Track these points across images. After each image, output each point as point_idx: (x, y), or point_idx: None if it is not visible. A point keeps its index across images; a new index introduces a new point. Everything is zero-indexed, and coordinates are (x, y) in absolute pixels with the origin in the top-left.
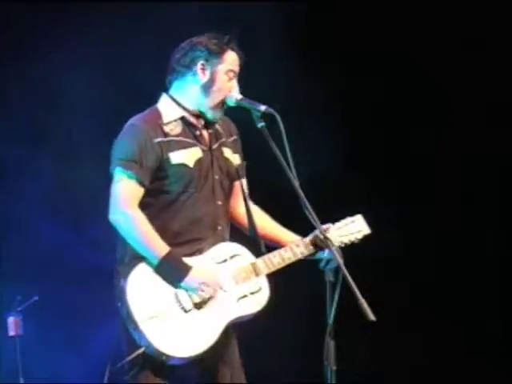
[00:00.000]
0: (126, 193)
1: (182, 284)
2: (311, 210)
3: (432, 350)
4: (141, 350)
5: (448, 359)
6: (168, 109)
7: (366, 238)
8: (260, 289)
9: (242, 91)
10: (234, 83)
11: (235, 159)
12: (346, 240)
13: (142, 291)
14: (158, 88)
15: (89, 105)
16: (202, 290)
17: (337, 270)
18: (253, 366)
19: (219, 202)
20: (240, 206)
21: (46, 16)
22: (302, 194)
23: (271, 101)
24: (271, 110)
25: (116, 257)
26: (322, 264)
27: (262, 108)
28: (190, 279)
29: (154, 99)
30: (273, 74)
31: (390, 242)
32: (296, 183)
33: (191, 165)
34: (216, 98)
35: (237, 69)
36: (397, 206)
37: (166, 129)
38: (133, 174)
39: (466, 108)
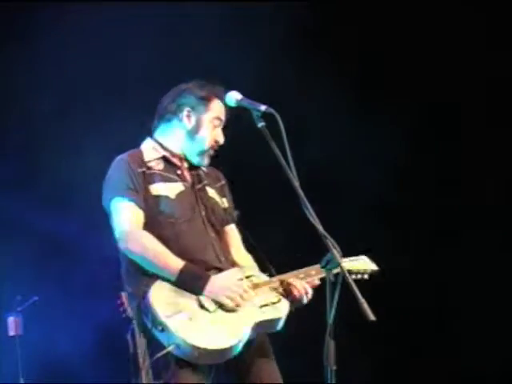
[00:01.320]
0: (130, 217)
1: (204, 293)
2: (311, 210)
3: (432, 350)
4: (170, 348)
5: (448, 359)
6: (150, 149)
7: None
8: (280, 300)
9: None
10: (219, 131)
11: (222, 202)
12: (356, 270)
13: (165, 297)
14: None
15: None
16: (227, 297)
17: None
18: None
19: (212, 235)
20: (232, 253)
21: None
22: (302, 194)
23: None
24: (271, 110)
25: (134, 265)
26: (322, 264)
27: (262, 108)
28: (210, 287)
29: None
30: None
31: (391, 242)
32: (296, 183)
33: (172, 196)
34: (200, 145)
35: (223, 117)
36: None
37: (149, 164)
38: (132, 199)
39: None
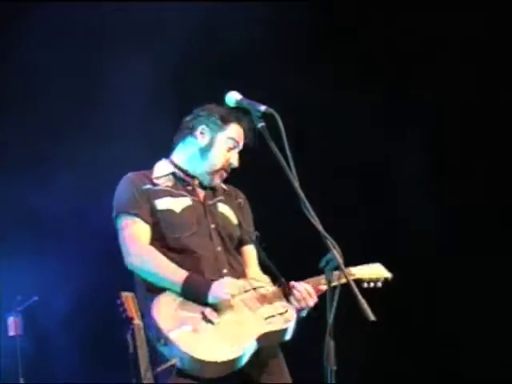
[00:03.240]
0: (134, 233)
1: (209, 297)
2: (311, 211)
3: (432, 350)
4: (173, 361)
5: (448, 359)
6: (161, 166)
7: None
8: (287, 310)
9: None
10: (234, 154)
11: (233, 217)
12: (368, 278)
13: (169, 309)
14: None
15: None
16: (227, 293)
17: (337, 269)
18: None
19: (218, 248)
20: (248, 274)
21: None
22: (301, 194)
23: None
24: (271, 110)
25: (140, 283)
26: (322, 264)
27: (262, 108)
28: (214, 290)
29: None
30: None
31: (391, 242)
32: (296, 183)
33: (177, 210)
34: (212, 164)
35: (239, 140)
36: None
37: (156, 181)
38: (135, 215)
39: None
